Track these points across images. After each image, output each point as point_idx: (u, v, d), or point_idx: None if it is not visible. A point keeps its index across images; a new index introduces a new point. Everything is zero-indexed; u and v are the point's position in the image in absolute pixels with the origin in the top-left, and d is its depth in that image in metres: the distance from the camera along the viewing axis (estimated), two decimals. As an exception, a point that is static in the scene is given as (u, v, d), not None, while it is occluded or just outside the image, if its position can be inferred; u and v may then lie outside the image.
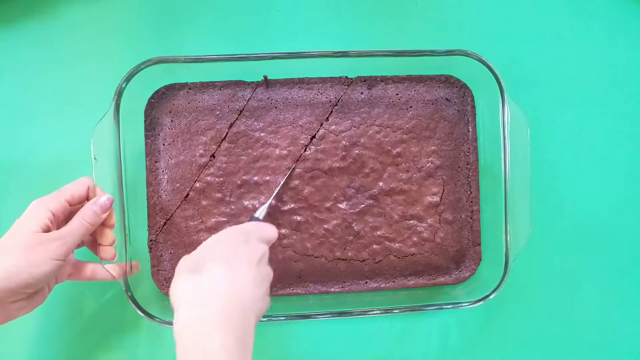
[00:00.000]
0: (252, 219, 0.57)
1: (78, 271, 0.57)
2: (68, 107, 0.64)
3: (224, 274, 0.46)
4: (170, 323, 0.59)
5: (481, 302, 0.61)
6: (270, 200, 0.61)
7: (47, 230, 0.51)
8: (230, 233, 0.51)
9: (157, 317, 0.59)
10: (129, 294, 0.59)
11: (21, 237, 0.50)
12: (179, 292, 0.46)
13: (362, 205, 0.64)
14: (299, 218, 0.63)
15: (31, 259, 0.49)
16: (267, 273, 0.51)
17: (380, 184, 0.64)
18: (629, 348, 0.69)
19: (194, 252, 0.49)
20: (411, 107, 0.64)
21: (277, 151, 0.63)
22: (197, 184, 0.63)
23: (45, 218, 0.51)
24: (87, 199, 0.55)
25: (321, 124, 0.63)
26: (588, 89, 0.68)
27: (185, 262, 0.48)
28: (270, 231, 0.54)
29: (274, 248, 0.63)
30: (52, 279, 0.53)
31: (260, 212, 0.58)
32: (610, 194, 0.68)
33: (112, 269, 0.56)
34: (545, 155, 0.67)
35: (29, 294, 0.51)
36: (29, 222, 0.51)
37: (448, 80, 0.65)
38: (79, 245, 0.56)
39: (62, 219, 0.54)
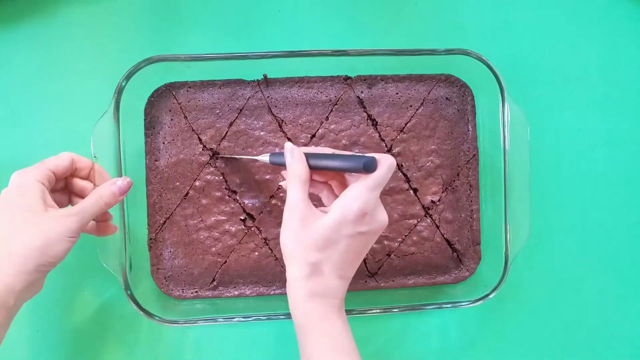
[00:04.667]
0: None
1: None
2: (68, 106, 0.64)
3: None
4: (169, 322, 0.60)
5: (481, 302, 0.62)
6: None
7: (46, 204, 0.50)
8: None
9: (156, 316, 0.59)
10: (129, 292, 0.59)
11: (33, 215, 0.48)
12: None
13: (362, 204, 0.64)
14: (298, 217, 0.63)
15: (49, 238, 0.48)
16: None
17: (380, 183, 0.63)
18: (628, 348, 0.68)
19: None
20: (411, 106, 0.64)
21: (277, 150, 0.63)
22: (197, 183, 0.63)
23: (43, 193, 0.50)
24: (73, 171, 0.55)
25: (321, 123, 0.63)
26: (588, 88, 0.68)
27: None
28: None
29: (274, 247, 0.63)
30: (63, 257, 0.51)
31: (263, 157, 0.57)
32: (610, 193, 0.68)
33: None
34: (545, 154, 0.67)
35: (44, 274, 0.50)
36: (29, 199, 0.49)
37: (448, 80, 0.65)
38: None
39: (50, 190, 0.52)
